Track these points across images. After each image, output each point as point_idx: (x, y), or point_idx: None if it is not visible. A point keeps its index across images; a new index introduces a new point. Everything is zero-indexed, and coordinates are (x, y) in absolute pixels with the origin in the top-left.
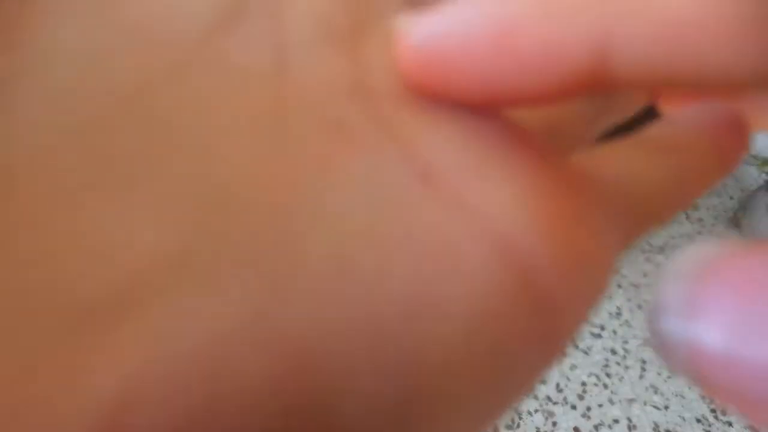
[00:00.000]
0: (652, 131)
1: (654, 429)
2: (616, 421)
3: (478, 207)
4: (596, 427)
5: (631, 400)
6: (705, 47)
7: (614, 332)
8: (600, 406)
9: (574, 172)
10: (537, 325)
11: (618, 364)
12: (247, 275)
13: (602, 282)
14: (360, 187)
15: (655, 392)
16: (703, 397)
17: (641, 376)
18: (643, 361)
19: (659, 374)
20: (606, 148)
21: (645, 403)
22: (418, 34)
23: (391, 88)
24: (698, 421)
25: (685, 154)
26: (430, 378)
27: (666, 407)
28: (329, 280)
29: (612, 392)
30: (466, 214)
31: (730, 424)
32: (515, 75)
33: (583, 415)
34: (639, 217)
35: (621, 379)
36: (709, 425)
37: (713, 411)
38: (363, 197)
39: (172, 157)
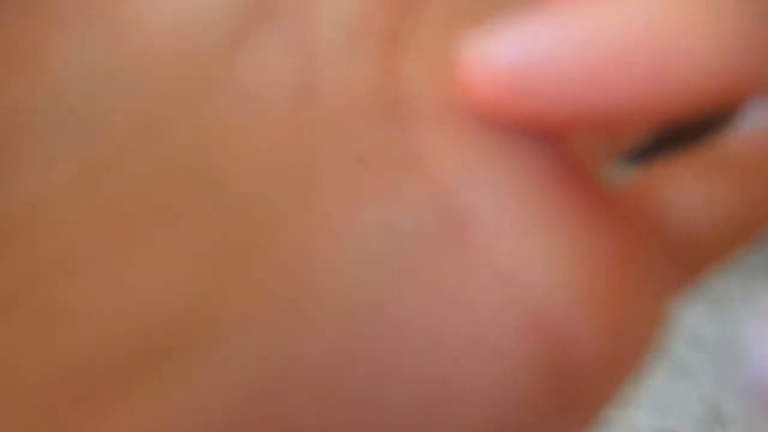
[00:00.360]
0: (719, 147)
1: None
2: (614, 424)
3: (512, 271)
4: (594, 429)
5: (630, 404)
6: None
7: None
8: None
9: (628, 210)
10: (567, 405)
11: None
12: (250, 349)
13: (647, 343)
14: (384, 240)
15: (654, 396)
16: (702, 401)
17: (641, 380)
18: (643, 366)
19: (658, 378)
20: (661, 169)
21: (644, 407)
22: (502, 56)
23: (429, 108)
24: (698, 425)
25: (759, 177)
26: None
27: (665, 411)
28: (339, 362)
29: None
30: (498, 279)
31: (730, 428)
32: (630, 102)
33: None
34: (700, 257)
35: None
36: (710, 429)
37: (713, 415)
38: (386, 254)
39: (185, 202)
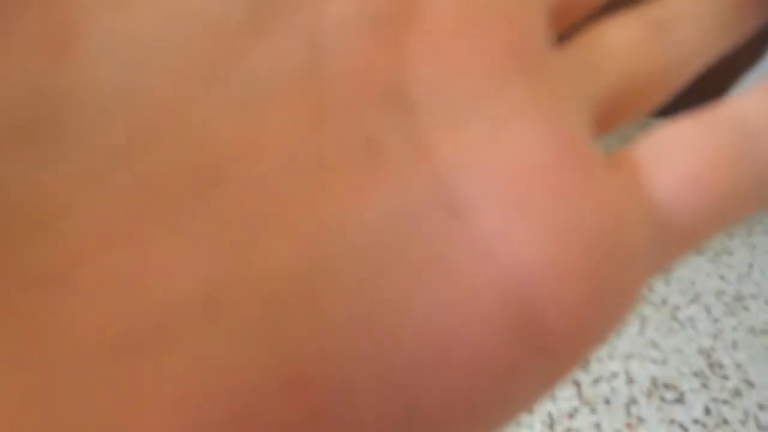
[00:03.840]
0: (713, 108)
1: (652, 383)
2: (614, 375)
3: (498, 250)
4: (595, 380)
5: (629, 355)
6: None
7: None
8: (599, 360)
9: (616, 186)
10: (542, 366)
11: None
12: (272, 319)
13: (621, 315)
14: (387, 224)
15: (654, 347)
16: (700, 352)
17: (640, 332)
18: (643, 317)
19: (658, 330)
20: (650, 140)
21: (643, 358)
22: None
23: (432, 93)
24: (695, 375)
25: (760, 140)
26: (431, 423)
27: (664, 362)
28: (348, 335)
29: (611, 347)
30: (487, 257)
31: (726, 378)
32: None
33: (583, 369)
34: (684, 236)
35: (620, 334)
36: (706, 379)
37: (710, 366)
38: (389, 236)
39: (207, 184)
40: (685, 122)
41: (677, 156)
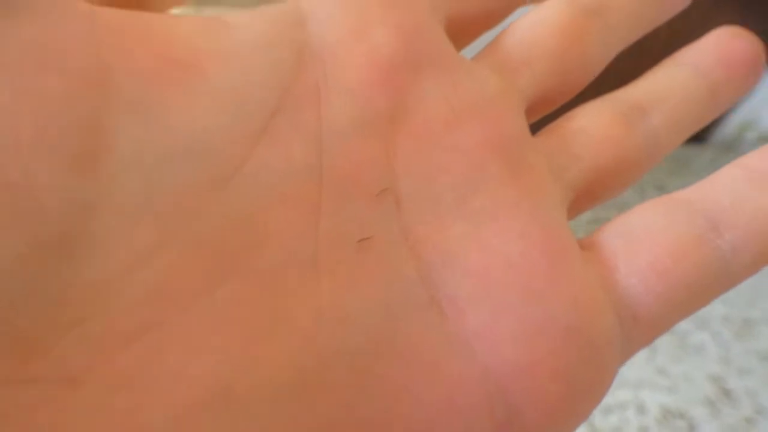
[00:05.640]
0: (685, 193)
1: (662, 411)
2: (625, 404)
3: (480, 347)
4: (606, 411)
5: (639, 384)
6: None
7: None
8: (609, 390)
9: (590, 279)
10: None
11: None
12: (274, 419)
13: (593, 405)
14: (377, 319)
15: (664, 375)
16: (711, 380)
17: (649, 360)
18: (652, 345)
19: (667, 357)
20: (632, 218)
21: (653, 387)
22: None
23: (419, 189)
24: (706, 402)
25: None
26: None
27: (674, 390)
28: (340, 417)
29: (621, 376)
30: (468, 354)
31: (738, 405)
32: None
33: None
34: (652, 325)
35: (630, 362)
36: (718, 407)
37: (721, 393)
38: (378, 331)
39: (216, 280)
40: (653, 207)
41: (644, 245)
